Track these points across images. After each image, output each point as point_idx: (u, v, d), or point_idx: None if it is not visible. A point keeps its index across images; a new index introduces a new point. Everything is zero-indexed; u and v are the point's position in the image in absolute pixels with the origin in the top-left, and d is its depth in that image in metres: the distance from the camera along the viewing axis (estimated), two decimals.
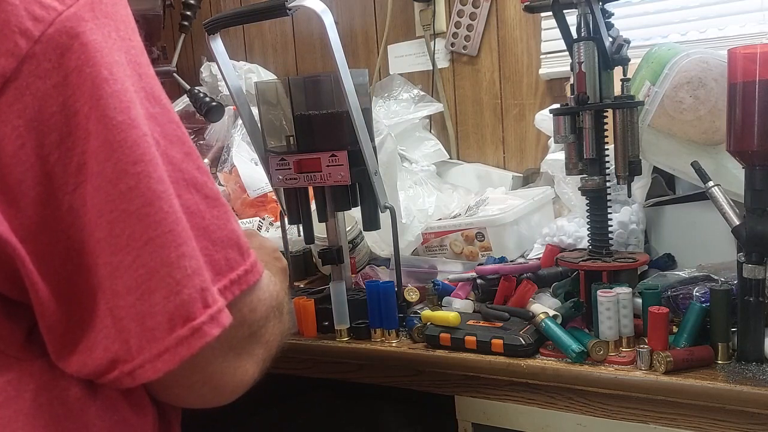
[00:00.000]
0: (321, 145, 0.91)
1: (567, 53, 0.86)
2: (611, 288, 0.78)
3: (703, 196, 0.79)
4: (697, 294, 0.78)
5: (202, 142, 1.53)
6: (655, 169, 1.05)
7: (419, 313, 0.89)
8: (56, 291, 0.45)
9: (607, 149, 0.86)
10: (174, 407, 0.57)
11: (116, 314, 0.45)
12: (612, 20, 0.85)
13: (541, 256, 1.04)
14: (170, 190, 0.46)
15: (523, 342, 0.78)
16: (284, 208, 0.99)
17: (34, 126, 0.43)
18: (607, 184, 0.86)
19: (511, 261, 1.06)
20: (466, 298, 0.96)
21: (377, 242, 1.16)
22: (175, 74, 1.37)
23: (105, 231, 0.44)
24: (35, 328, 0.47)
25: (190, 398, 0.53)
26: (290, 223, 1.00)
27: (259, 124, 0.99)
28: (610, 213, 0.88)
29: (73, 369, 0.46)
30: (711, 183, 0.76)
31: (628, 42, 0.85)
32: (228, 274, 0.49)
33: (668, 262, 0.98)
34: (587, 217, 0.89)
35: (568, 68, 0.87)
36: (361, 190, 0.94)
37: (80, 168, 0.44)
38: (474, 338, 0.81)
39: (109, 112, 0.43)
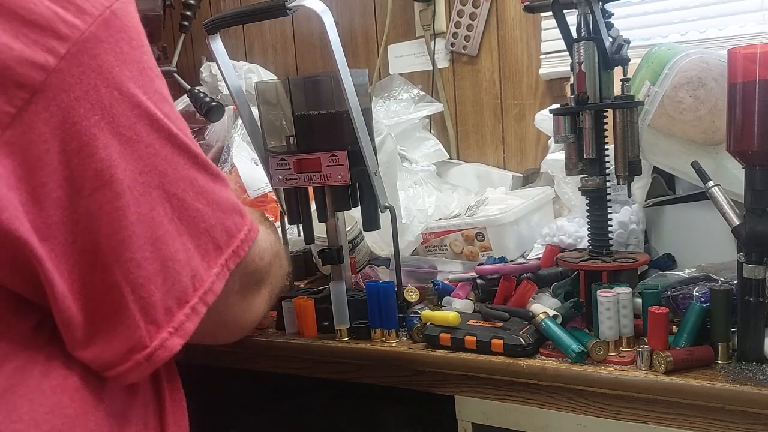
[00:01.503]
0: (321, 145, 0.91)
1: (567, 53, 0.86)
2: (611, 288, 0.78)
3: (703, 196, 0.79)
4: (697, 294, 0.78)
5: (202, 142, 1.52)
6: (655, 169, 1.05)
7: (419, 313, 0.89)
8: (74, 288, 0.49)
9: (607, 149, 0.86)
10: (174, 401, 0.61)
11: (141, 304, 0.51)
12: (612, 20, 0.85)
13: (541, 256, 1.04)
14: (169, 191, 0.52)
15: (523, 342, 0.78)
16: (284, 208, 0.99)
17: (57, 134, 0.47)
18: (607, 184, 0.86)
19: (511, 261, 1.06)
20: (466, 298, 0.96)
21: (377, 242, 1.16)
22: (175, 74, 1.37)
23: (124, 232, 0.50)
24: (43, 320, 0.51)
25: (215, 335, 0.62)
26: (290, 223, 1.00)
27: (259, 124, 0.99)
28: (610, 213, 0.87)
29: (88, 358, 0.51)
30: (711, 183, 0.76)
31: (628, 42, 0.84)
32: (237, 234, 0.57)
33: (668, 262, 0.98)
34: (587, 217, 0.89)
35: (568, 68, 0.87)
36: (361, 190, 0.94)
37: (97, 174, 0.49)
38: (474, 338, 0.81)
39: (122, 130, 0.50)
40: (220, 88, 1.57)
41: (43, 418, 0.48)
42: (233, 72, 0.99)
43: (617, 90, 0.85)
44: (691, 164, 0.78)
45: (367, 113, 0.91)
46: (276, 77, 1.61)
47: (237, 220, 0.58)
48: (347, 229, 1.04)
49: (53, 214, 0.48)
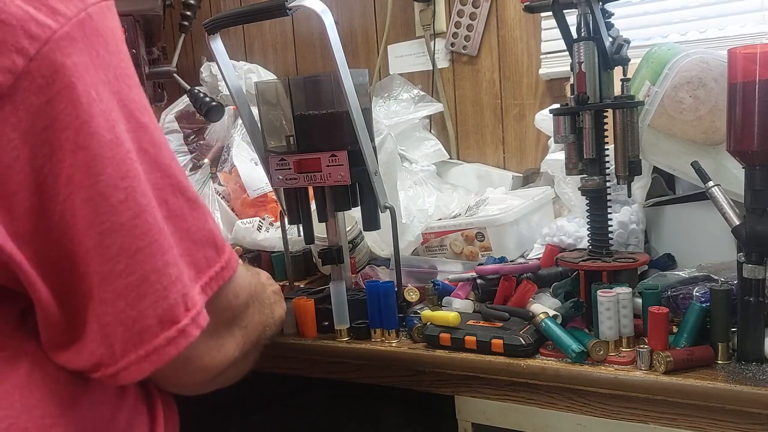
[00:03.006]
0: (321, 145, 0.91)
1: (567, 53, 0.86)
2: (611, 288, 0.78)
3: (703, 196, 0.79)
4: (697, 294, 0.78)
5: (202, 142, 1.52)
6: (655, 169, 1.05)
7: (419, 313, 0.89)
8: (56, 293, 0.48)
9: (607, 149, 0.86)
10: (164, 395, 0.60)
11: (102, 321, 0.48)
12: (612, 20, 0.85)
13: (541, 256, 1.04)
14: (153, 203, 0.49)
15: (523, 342, 0.78)
16: (284, 208, 0.99)
17: (28, 139, 0.45)
18: (607, 184, 0.86)
19: (511, 261, 1.06)
20: (466, 298, 0.96)
21: (377, 242, 1.16)
22: (175, 74, 1.37)
23: (94, 241, 0.47)
24: (27, 309, 0.50)
25: (174, 381, 0.57)
26: (290, 223, 1.00)
27: (259, 124, 0.99)
28: (610, 213, 0.88)
29: (61, 362, 0.50)
30: (711, 183, 0.76)
31: (628, 42, 0.85)
32: (207, 271, 0.53)
33: (668, 262, 0.98)
34: (587, 217, 0.89)
35: (568, 68, 0.87)
36: (361, 190, 0.94)
37: (70, 180, 0.46)
38: (474, 338, 0.81)
39: (100, 130, 0.47)
40: (220, 88, 1.56)
41: (35, 404, 0.48)
42: (233, 72, 0.99)
43: (617, 90, 0.85)
44: (691, 164, 0.78)
45: (367, 113, 0.91)
46: (276, 77, 1.61)
47: (209, 254, 0.54)
48: (347, 229, 1.04)
49: (26, 223, 0.46)
